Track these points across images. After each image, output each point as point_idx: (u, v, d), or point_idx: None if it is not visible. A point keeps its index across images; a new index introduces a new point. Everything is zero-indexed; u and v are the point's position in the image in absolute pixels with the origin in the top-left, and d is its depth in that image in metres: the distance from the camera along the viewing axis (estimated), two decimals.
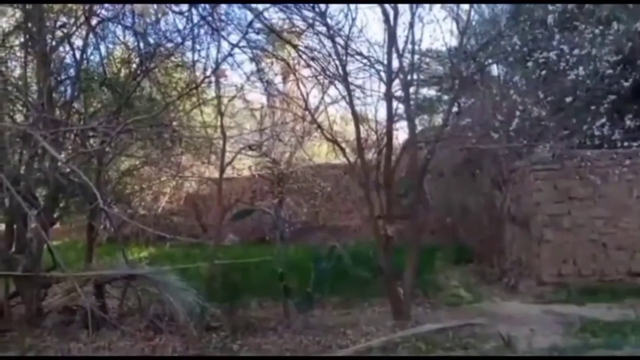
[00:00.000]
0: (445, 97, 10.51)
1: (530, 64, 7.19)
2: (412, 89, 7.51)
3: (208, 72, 7.48)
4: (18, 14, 7.08)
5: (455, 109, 8.72)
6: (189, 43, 7.23)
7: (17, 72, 7.28)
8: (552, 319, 6.67)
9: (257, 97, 9.59)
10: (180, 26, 7.02)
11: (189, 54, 7.59)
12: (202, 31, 7.02)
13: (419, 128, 10.30)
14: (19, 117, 7.05)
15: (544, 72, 7.15)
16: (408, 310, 6.88)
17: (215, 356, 5.73)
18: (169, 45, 7.25)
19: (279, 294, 7.14)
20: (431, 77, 10.97)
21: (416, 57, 7.50)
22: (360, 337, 6.21)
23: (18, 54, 7.23)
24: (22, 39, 6.98)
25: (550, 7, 7.02)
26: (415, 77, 7.67)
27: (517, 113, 7.22)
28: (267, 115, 10.01)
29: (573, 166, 8.09)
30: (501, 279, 9.19)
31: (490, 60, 8.28)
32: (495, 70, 10.30)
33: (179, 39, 7.02)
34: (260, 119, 9.83)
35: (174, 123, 8.46)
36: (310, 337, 6.26)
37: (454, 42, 8.14)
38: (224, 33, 6.88)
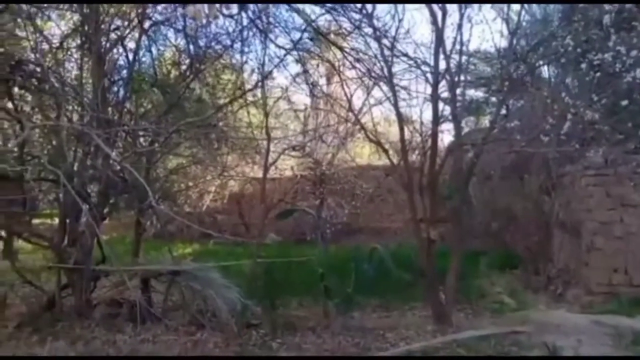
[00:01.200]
0: (493, 99, 10.25)
1: (583, 65, 6.94)
2: (458, 91, 7.37)
3: (255, 74, 7.60)
4: (75, 17, 7.38)
5: (503, 111, 8.52)
6: (237, 45, 7.38)
7: (74, 73, 7.58)
8: (601, 330, 6.40)
9: (301, 98, 9.67)
10: (230, 29, 7.15)
11: (237, 56, 7.73)
12: (250, 34, 7.14)
13: (466, 130, 10.12)
14: (75, 117, 7.34)
15: (598, 74, 6.89)
16: (449, 316, 6.77)
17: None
18: (218, 47, 7.40)
19: (319, 294, 7.16)
20: (479, 79, 10.72)
21: (464, 58, 7.35)
22: (399, 341, 6.16)
23: (75, 55, 7.54)
24: (78, 41, 7.28)
25: (606, 6, 6.76)
26: (462, 78, 7.53)
27: (569, 116, 6.98)
28: (310, 116, 10.06)
29: (627, 172, 7.75)
30: (547, 287, 8.91)
31: (541, 62, 8.05)
32: (546, 72, 9.99)
33: (228, 42, 7.15)
34: (304, 120, 9.89)
35: (221, 123, 8.63)
36: (349, 339, 6.25)
37: (503, 43, 7.94)
38: (271, 36, 6.96)
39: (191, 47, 7.44)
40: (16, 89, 6.90)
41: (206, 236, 12.25)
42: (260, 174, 8.33)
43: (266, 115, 7.08)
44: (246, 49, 7.36)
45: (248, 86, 7.97)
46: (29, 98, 7.27)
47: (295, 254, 8.44)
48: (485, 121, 11.06)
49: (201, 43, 7.39)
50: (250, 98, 8.52)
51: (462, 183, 7.19)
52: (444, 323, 6.64)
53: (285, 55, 7.07)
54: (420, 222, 7.09)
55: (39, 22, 7.21)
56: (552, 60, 8.04)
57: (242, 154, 10.43)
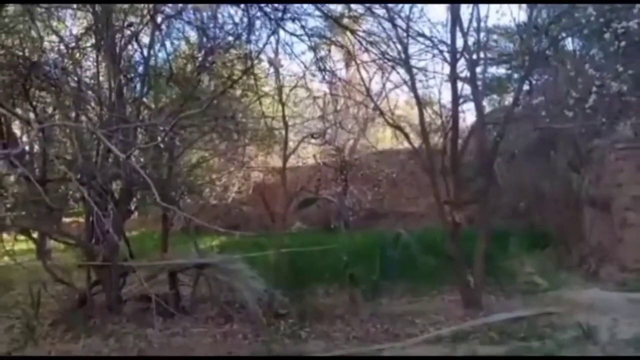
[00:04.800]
0: (516, 76, 10.00)
1: (607, 35, 6.67)
2: (478, 69, 7.20)
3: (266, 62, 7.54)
4: (89, 17, 7.43)
5: (526, 87, 8.30)
6: (250, 35, 7.30)
7: (90, 72, 7.65)
8: (637, 307, 6.21)
9: (319, 85, 9.59)
10: (237, 19, 7.09)
11: (249, 46, 7.66)
12: (258, 23, 7.06)
13: (488, 109, 9.91)
14: (93, 115, 7.41)
15: (623, 44, 6.62)
16: (479, 299, 6.68)
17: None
18: (230, 38, 7.35)
19: (345, 282, 7.14)
20: (500, 55, 10.46)
21: (482, 34, 7.15)
22: (429, 326, 6.11)
23: (91, 55, 7.59)
24: (93, 41, 7.32)
25: None
26: (481, 55, 7.33)
27: (594, 89, 6.75)
28: (329, 103, 9.98)
29: None
30: (580, 266, 8.70)
31: (563, 34, 7.77)
32: (569, 44, 9.68)
33: (239, 31, 7.09)
34: (323, 107, 9.82)
35: (239, 115, 8.62)
36: (378, 326, 6.23)
37: (523, 17, 7.71)
38: (281, 23, 6.87)
39: (204, 39, 7.41)
40: (35, 91, 7.00)
41: (232, 227, 12.33)
42: (281, 164, 8.30)
43: (282, 104, 7.03)
44: (255, 37, 7.26)
45: (262, 76, 7.93)
46: (48, 99, 7.36)
47: (320, 242, 8.43)
48: (509, 99, 10.80)
49: (212, 34, 7.35)
50: (266, 88, 8.48)
51: (486, 163, 7.04)
52: (473, 306, 6.55)
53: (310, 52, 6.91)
54: (444, 205, 6.98)
55: (54, 23, 7.28)
56: (574, 32, 7.76)
57: (262, 145, 10.42)
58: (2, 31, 6.12)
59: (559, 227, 9.86)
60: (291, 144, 8.02)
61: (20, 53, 6.79)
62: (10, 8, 6.14)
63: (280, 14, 6.89)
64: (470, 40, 6.87)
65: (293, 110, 9.29)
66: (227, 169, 12.26)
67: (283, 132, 7.39)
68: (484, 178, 7.08)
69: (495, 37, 10.09)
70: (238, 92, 8.37)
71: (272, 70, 7.58)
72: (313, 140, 10.00)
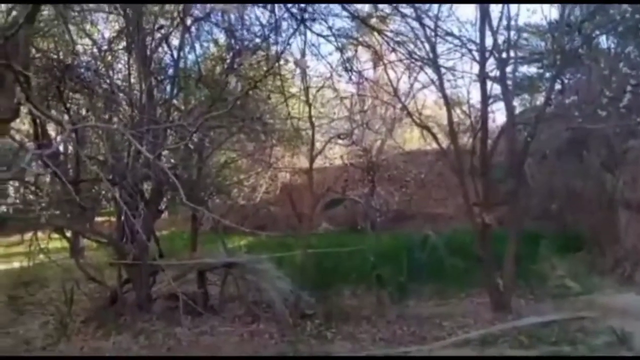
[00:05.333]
0: (547, 75, 9.78)
1: None
2: (508, 68, 7.07)
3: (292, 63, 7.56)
4: (120, 20, 7.59)
5: (558, 86, 8.11)
6: (276, 37, 7.34)
7: (122, 74, 7.81)
8: None
9: (346, 86, 9.57)
10: (264, 20, 7.14)
11: (275, 47, 7.70)
12: (285, 24, 7.09)
13: (519, 109, 9.72)
14: (124, 117, 7.56)
15: None
16: (508, 302, 6.55)
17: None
18: (257, 40, 7.41)
19: (372, 283, 7.11)
20: (531, 54, 10.25)
21: (512, 33, 7.03)
22: (457, 329, 6.03)
23: (122, 57, 7.76)
24: (124, 44, 7.48)
25: None
26: (512, 54, 7.20)
27: (629, 88, 6.55)
28: (356, 103, 9.96)
29: None
30: (614, 269, 8.45)
31: (597, 32, 7.57)
32: (603, 41, 9.41)
33: (266, 32, 7.14)
34: (350, 107, 9.80)
35: (267, 116, 8.68)
36: (405, 328, 6.18)
37: (554, 14, 7.54)
38: (308, 24, 6.89)
39: (232, 41, 7.48)
40: (69, 93, 7.18)
41: (260, 227, 12.41)
42: (308, 165, 8.32)
43: (309, 105, 7.04)
44: (281, 38, 7.29)
45: (289, 77, 7.95)
46: (81, 101, 7.55)
47: (347, 243, 8.40)
48: (540, 98, 10.57)
49: (240, 36, 7.41)
50: (293, 89, 8.51)
51: (516, 164, 6.91)
52: (502, 310, 6.44)
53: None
54: (474, 206, 6.89)
55: (87, 27, 7.46)
56: (609, 29, 7.55)
57: (289, 145, 10.47)
58: (37, 35, 6.29)
59: (592, 230, 9.60)
60: (318, 145, 8.00)
61: (55, 56, 6.98)
62: (45, 12, 6.32)
63: (307, 15, 6.90)
64: (500, 39, 6.77)
65: (320, 111, 9.29)
66: (254, 170, 12.36)
67: (310, 132, 7.39)
68: (514, 179, 6.96)
69: (526, 35, 9.89)
70: (265, 93, 8.43)
71: (298, 71, 7.60)
72: (340, 141, 9.97)
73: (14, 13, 4.44)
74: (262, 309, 6.76)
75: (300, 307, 6.76)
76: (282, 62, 7.72)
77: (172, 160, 7.88)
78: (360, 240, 8.48)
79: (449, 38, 7.02)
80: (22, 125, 7.20)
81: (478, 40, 6.67)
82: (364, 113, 10.33)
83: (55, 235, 7.46)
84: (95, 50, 7.54)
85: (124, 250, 7.07)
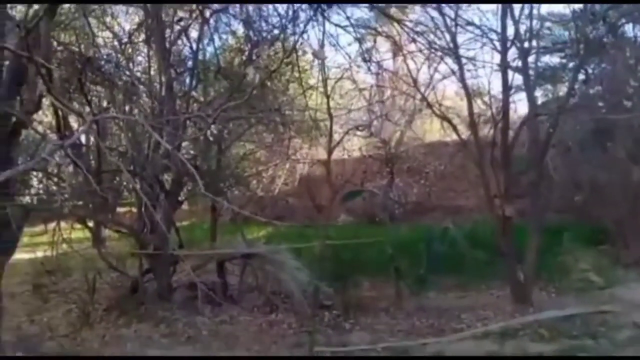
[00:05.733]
0: (571, 65, 9.57)
1: None
2: (530, 58, 6.94)
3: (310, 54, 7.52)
4: (140, 13, 7.64)
5: (582, 76, 7.93)
6: (294, 28, 7.31)
7: (141, 66, 7.89)
8: None
9: (365, 76, 9.50)
10: (282, 11, 7.11)
11: (293, 38, 7.67)
12: (303, 15, 7.05)
13: (541, 99, 9.55)
14: (144, 108, 7.63)
15: None
16: (529, 295, 6.48)
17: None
18: (275, 31, 7.39)
19: (390, 275, 7.08)
20: (553, 43, 10.03)
21: (535, 22, 6.89)
22: (476, 322, 6.00)
23: (142, 50, 7.83)
24: (144, 36, 7.54)
25: None
26: (534, 44, 7.06)
27: None
28: (375, 94, 9.88)
29: None
30: (638, 263, 8.28)
31: (622, 20, 7.37)
32: (629, 30, 9.16)
33: (284, 23, 7.11)
34: (369, 98, 9.73)
35: (285, 107, 8.67)
36: (424, 320, 6.16)
37: (578, 3, 7.34)
38: (327, 14, 6.84)
39: (250, 32, 7.48)
40: (90, 85, 7.26)
41: (278, 218, 12.44)
42: (326, 156, 8.31)
43: (327, 96, 7.01)
44: (301, 29, 7.24)
45: (307, 68, 7.93)
46: (102, 94, 7.63)
47: (366, 234, 8.38)
48: (563, 88, 10.36)
49: (258, 27, 7.40)
50: (312, 80, 8.49)
51: (538, 155, 6.81)
52: (523, 303, 6.37)
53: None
54: (494, 199, 6.80)
55: (107, 20, 7.53)
56: (634, 18, 7.34)
57: (307, 137, 10.46)
58: (58, 28, 6.37)
59: (616, 222, 9.40)
60: (336, 137, 7.99)
61: (76, 49, 7.06)
62: (66, 5, 6.38)
63: (325, 5, 6.85)
64: (522, 28, 6.64)
65: (338, 103, 9.24)
66: (273, 161, 12.38)
67: (328, 124, 7.37)
68: (536, 171, 6.86)
69: (548, 24, 9.66)
70: (283, 85, 8.43)
71: (317, 62, 7.57)
72: (358, 133, 9.93)
73: (35, 6, 4.48)
74: (281, 299, 6.80)
75: (318, 297, 6.76)
76: (300, 53, 7.69)
77: (192, 152, 7.94)
78: (379, 232, 8.45)
79: (470, 27, 6.91)
80: (45, 117, 7.29)
81: (499, 30, 6.58)
82: (382, 104, 10.25)
83: (78, 226, 7.58)
84: (115, 43, 7.62)
85: (145, 241, 7.17)
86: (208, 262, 7.62)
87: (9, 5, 4.39)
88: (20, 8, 5.22)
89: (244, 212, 5.55)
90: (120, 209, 9.02)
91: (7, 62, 4.12)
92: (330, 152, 7.38)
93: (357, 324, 6.19)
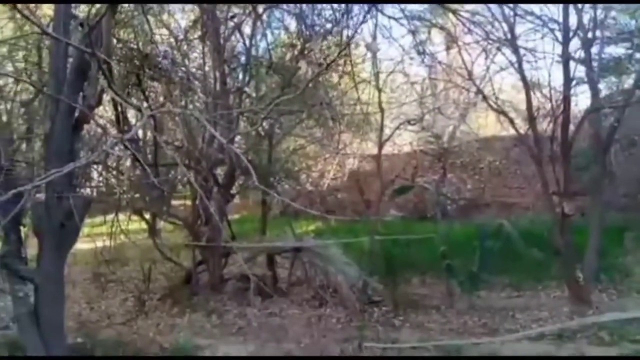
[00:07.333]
0: (638, 55, 9.05)
1: None
2: (594, 49, 6.61)
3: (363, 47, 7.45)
4: (196, 9, 7.79)
5: None
6: (347, 21, 7.25)
7: (196, 62, 8.05)
8: None
9: (418, 70, 9.32)
10: (335, 4, 7.04)
11: (346, 31, 7.61)
12: (357, 8, 6.97)
13: (604, 92, 9.09)
14: (199, 104, 7.80)
15: None
16: (588, 296, 6.20)
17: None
18: (328, 25, 7.37)
19: (441, 272, 6.95)
20: (619, 33, 9.52)
21: (599, 11, 6.54)
22: (531, 322, 5.79)
23: (197, 46, 7.99)
24: (199, 33, 7.69)
25: None
26: (597, 34, 6.71)
27: None
28: (428, 88, 9.68)
29: None
30: None
31: None
32: None
33: (337, 17, 7.06)
34: (421, 92, 9.55)
35: (336, 101, 8.65)
36: (476, 319, 6.01)
37: None
38: (380, 6, 6.72)
39: (302, 27, 7.48)
40: (147, 81, 7.48)
41: (327, 213, 12.46)
42: (376, 151, 8.23)
43: (378, 89, 6.93)
44: (354, 22, 7.16)
45: (359, 61, 7.85)
46: (159, 89, 7.84)
47: (416, 230, 8.26)
48: (629, 80, 9.82)
49: (310, 22, 7.39)
50: (363, 74, 8.42)
51: (601, 151, 6.50)
52: (582, 304, 6.10)
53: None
54: (553, 196, 6.55)
55: (164, 17, 7.72)
56: None
57: (358, 131, 10.40)
58: (118, 26, 6.58)
59: None
60: (387, 131, 7.89)
61: (134, 46, 7.28)
62: (126, 4, 6.59)
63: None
64: (585, 18, 6.33)
65: (390, 96, 9.12)
66: (323, 156, 12.39)
67: (379, 118, 7.29)
68: (597, 167, 6.56)
69: (613, 13, 9.17)
70: (335, 79, 8.40)
71: (369, 55, 7.48)
72: (410, 127, 9.76)
73: (97, 5, 4.64)
74: (330, 294, 6.80)
75: (367, 293, 6.74)
76: (352, 46, 7.63)
77: (244, 146, 8.06)
78: (430, 228, 8.30)
79: (529, 17, 6.62)
80: (105, 112, 7.58)
81: (561, 19, 6.28)
82: (435, 97, 10.04)
83: (135, 217, 7.86)
84: (171, 39, 7.80)
85: (199, 233, 7.34)
86: (258, 255, 7.73)
87: (72, 5, 4.55)
88: (83, 7, 5.42)
89: (296, 205, 5.57)
90: (174, 202, 9.28)
91: (70, 59, 4.28)
92: (380, 146, 7.30)
93: (406, 321, 6.11)
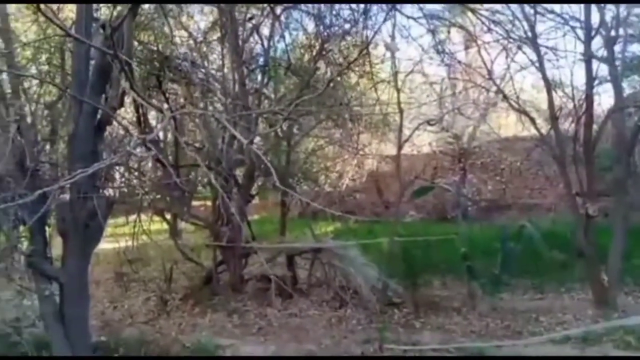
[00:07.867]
0: None
1: None
2: (617, 47, 6.49)
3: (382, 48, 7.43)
4: (214, 11, 7.86)
5: None
6: (366, 21, 7.24)
7: (216, 64, 8.11)
8: None
9: (437, 70, 9.26)
10: (354, 4, 7.04)
11: (364, 32, 7.60)
12: (375, 8, 6.96)
13: (628, 91, 8.92)
14: (219, 105, 7.85)
15: None
16: (613, 299, 6.09)
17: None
18: (346, 25, 7.37)
19: (462, 274, 6.88)
20: None
21: (622, 8, 6.42)
22: (555, 325, 5.71)
23: (216, 48, 8.06)
24: (218, 34, 7.75)
25: None
26: (621, 32, 6.60)
27: None
28: (447, 88, 9.62)
29: None
30: None
31: None
32: None
33: (355, 17, 7.06)
34: (440, 92, 9.49)
35: (354, 102, 8.64)
36: (498, 321, 5.95)
37: None
38: (399, 6, 6.70)
39: (321, 28, 7.50)
40: (167, 83, 7.56)
41: (346, 214, 12.42)
42: (395, 151, 8.20)
43: (397, 90, 6.90)
44: (373, 22, 7.17)
45: (377, 62, 7.83)
46: (179, 91, 7.92)
47: (436, 232, 8.19)
48: None
49: (329, 22, 7.40)
50: (382, 74, 8.39)
51: (625, 151, 6.37)
52: (607, 307, 6.00)
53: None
54: (576, 197, 6.45)
55: (183, 19, 7.81)
56: None
57: (376, 132, 10.36)
58: (138, 28, 6.66)
59: None
60: (406, 131, 7.85)
61: (155, 48, 7.36)
62: (145, 6, 6.67)
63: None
64: (608, 16, 6.22)
65: (409, 96, 9.08)
66: (341, 157, 12.37)
67: (398, 118, 7.26)
68: (621, 167, 6.43)
69: (637, 10, 9.00)
70: (353, 80, 8.39)
71: (388, 55, 7.46)
72: (429, 127, 9.70)
73: (118, 7, 4.70)
74: (350, 295, 6.78)
75: (387, 294, 6.71)
76: (371, 46, 7.61)
77: (263, 147, 8.09)
78: (450, 229, 8.22)
79: (551, 16, 6.55)
80: (126, 113, 7.68)
81: (583, 18, 6.20)
82: (455, 97, 9.97)
83: (157, 218, 7.94)
84: (191, 41, 7.87)
85: (219, 233, 7.38)
86: (278, 256, 7.74)
87: (94, 7, 4.62)
88: (105, 10, 5.50)
89: (316, 205, 5.56)
90: (195, 203, 9.35)
91: (92, 62, 4.35)
92: (400, 147, 7.27)
93: (427, 323, 6.06)
